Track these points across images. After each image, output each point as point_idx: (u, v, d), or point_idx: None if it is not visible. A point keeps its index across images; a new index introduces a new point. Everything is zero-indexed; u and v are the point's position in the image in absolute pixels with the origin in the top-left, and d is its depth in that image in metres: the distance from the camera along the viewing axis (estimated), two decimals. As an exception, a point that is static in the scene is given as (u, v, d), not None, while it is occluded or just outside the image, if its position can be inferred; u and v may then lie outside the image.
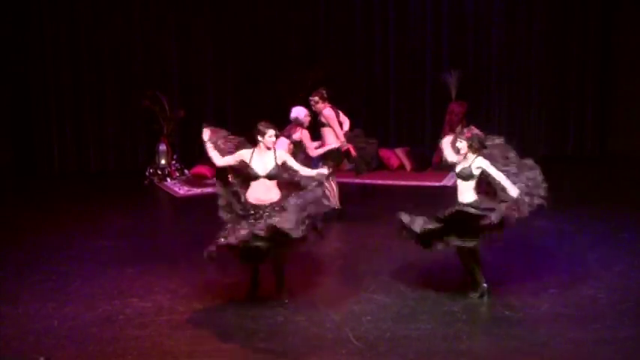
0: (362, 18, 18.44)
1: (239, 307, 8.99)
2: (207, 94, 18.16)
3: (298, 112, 12.58)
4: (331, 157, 12.66)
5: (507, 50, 18.55)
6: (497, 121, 18.67)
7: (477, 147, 9.24)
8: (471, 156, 9.21)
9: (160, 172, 16.63)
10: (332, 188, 12.72)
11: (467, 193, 9.15)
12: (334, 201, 12.65)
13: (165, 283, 9.83)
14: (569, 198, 14.53)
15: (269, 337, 8.30)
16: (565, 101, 18.70)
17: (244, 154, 9.14)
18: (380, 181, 16.12)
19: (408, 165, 17.61)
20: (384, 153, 17.76)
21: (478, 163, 9.14)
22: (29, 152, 17.40)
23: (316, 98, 12.70)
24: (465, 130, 9.45)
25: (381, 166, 17.36)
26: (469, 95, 17.90)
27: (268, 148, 9.11)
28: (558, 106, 18.71)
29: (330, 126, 12.67)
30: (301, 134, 12.42)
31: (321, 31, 18.40)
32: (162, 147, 16.79)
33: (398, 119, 18.78)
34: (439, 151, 17.55)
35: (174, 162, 16.87)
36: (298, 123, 12.45)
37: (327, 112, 12.68)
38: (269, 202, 8.99)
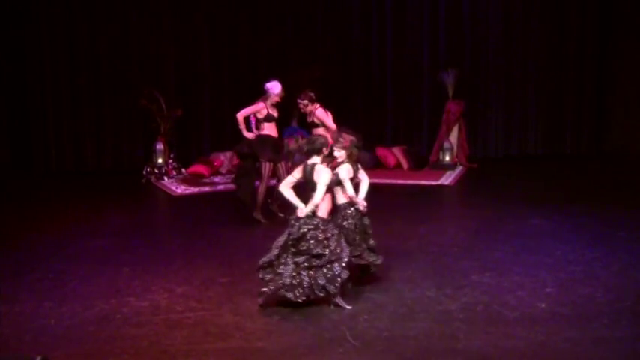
0: (359, 17, 18.44)
1: (236, 306, 8.98)
2: (204, 93, 18.16)
3: (273, 86, 12.83)
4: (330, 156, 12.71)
5: (504, 49, 18.59)
6: (494, 120, 18.71)
7: (356, 155, 9.40)
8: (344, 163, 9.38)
9: (157, 171, 16.64)
10: None
11: (341, 198, 9.39)
12: None
13: (162, 282, 9.82)
14: (566, 196, 14.55)
15: (266, 335, 8.30)
16: (562, 100, 18.75)
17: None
18: (377, 180, 16.05)
19: (405, 164, 17.62)
20: (381, 152, 17.78)
21: (340, 172, 9.27)
22: (26, 151, 17.41)
23: (305, 101, 12.73)
24: (342, 140, 9.37)
25: (378, 165, 17.38)
26: (466, 94, 17.91)
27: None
28: (555, 104, 18.75)
29: (324, 126, 12.70)
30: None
31: (318, 29, 18.40)
32: (160, 146, 16.79)
33: (395, 118, 18.80)
34: (436, 150, 17.69)
35: (171, 161, 16.88)
36: (266, 96, 12.85)
37: (320, 112, 12.71)
38: None
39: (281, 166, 12.89)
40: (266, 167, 12.91)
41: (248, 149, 13.04)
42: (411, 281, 9.79)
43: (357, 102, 18.53)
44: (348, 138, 9.40)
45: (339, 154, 9.33)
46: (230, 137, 17.53)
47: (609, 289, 9.45)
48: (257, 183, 13.11)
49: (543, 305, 8.99)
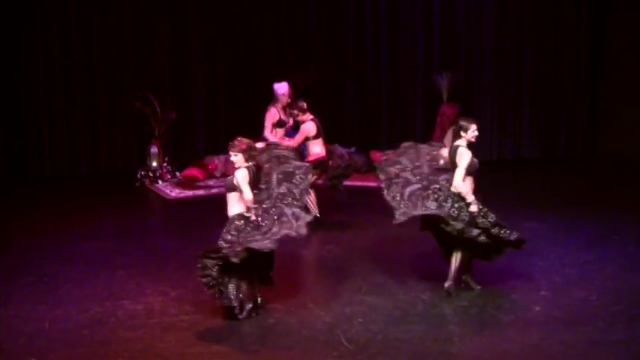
0: (354, 19, 18.43)
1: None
2: (198, 96, 18.12)
3: (279, 87, 12.82)
4: (319, 167, 12.64)
5: (498, 52, 18.57)
6: (488, 123, 18.68)
7: (254, 155, 8.96)
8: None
9: (151, 175, 16.61)
10: (312, 197, 12.70)
11: (234, 205, 8.83)
12: (315, 209, 12.69)
13: (156, 286, 9.81)
14: (560, 199, 14.56)
15: (260, 338, 8.31)
16: (556, 102, 18.73)
17: None
18: (371, 183, 16.08)
19: (399, 167, 17.60)
20: (376, 155, 17.76)
21: (237, 175, 8.82)
22: (20, 153, 17.34)
23: (295, 112, 12.68)
24: (238, 143, 8.93)
25: (372, 169, 17.36)
26: (460, 97, 17.91)
27: (471, 143, 9.35)
28: (549, 107, 18.73)
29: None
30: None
31: (313, 32, 18.39)
32: (154, 149, 16.76)
33: (389, 121, 18.78)
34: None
35: (165, 164, 16.84)
36: (275, 99, 12.95)
37: (304, 127, 12.65)
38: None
39: None
40: None
41: None
42: (406, 284, 9.81)
43: (351, 105, 18.50)
44: (244, 141, 8.98)
45: (236, 158, 8.89)
46: (225, 140, 17.51)
47: (604, 292, 9.47)
48: None
49: (538, 308, 9.01)
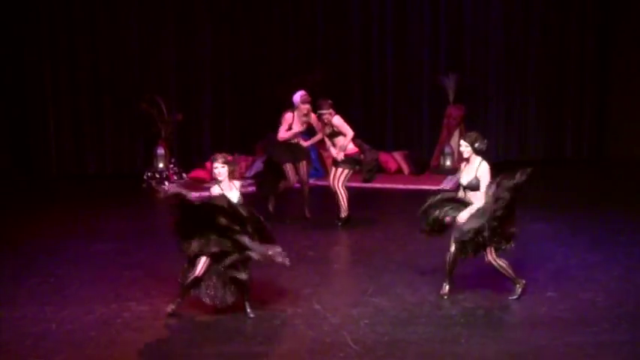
0: (360, 21, 18.42)
1: (237, 311, 8.97)
2: (204, 97, 18.13)
3: (295, 96, 12.70)
4: (348, 162, 12.61)
5: (505, 53, 18.56)
6: (494, 125, 18.67)
7: (237, 172, 9.22)
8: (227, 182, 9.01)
9: (157, 176, 16.61)
10: (344, 195, 12.69)
11: None
12: (345, 207, 12.68)
13: (162, 287, 9.81)
14: (567, 201, 14.54)
15: (267, 340, 8.30)
16: (563, 104, 18.71)
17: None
18: (378, 185, 16.07)
19: (406, 169, 17.60)
20: (382, 157, 17.74)
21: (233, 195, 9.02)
22: (27, 154, 17.38)
23: (331, 111, 12.54)
24: (225, 155, 9.00)
25: (379, 170, 17.35)
26: (467, 99, 17.88)
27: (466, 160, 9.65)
28: (556, 109, 18.71)
29: (341, 133, 12.61)
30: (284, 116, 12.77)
31: (319, 34, 18.38)
32: (160, 150, 16.77)
33: (396, 123, 18.76)
34: (437, 154, 17.68)
35: (172, 165, 16.84)
36: (294, 106, 12.75)
37: (337, 119, 12.60)
38: None
39: (302, 165, 12.88)
40: (287, 169, 12.87)
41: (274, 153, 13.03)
42: (412, 286, 9.80)
43: (357, 106, 18.47)
44: (226, 156, 8.95)
45: (222, 170, 8.92)
46: (231, 142, 17.54)
47: (610, 294, 9.46)
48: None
49: (544, 310, 9.00)
